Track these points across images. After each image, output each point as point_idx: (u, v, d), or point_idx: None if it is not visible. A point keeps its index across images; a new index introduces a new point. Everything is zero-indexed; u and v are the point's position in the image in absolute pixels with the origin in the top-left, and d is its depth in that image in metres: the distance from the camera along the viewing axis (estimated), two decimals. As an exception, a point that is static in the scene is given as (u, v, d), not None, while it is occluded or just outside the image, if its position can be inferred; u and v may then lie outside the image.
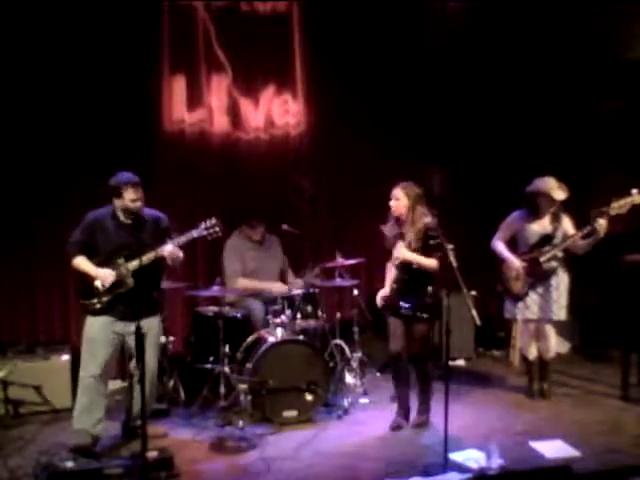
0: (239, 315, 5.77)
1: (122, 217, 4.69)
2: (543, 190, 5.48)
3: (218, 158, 6.66)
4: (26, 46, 5.89)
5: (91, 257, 4.68)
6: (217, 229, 4.77)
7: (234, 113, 6.68)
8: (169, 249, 4.62)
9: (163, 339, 5.67)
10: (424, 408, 5.11)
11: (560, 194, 5.46)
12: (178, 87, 6.50)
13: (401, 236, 4.94)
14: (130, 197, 4.61)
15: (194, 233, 4.74)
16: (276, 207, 6.50)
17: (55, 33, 5.93)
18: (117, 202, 4.67)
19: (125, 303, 4.65)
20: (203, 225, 4.76)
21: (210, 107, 6.61)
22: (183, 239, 4.70)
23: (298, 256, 6.46)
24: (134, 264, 4.60)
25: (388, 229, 5.04)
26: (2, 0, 5.75)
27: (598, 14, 6.92)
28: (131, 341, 4.63)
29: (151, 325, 4.66)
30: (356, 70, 6.88)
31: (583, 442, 4.74)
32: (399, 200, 4.92)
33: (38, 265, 6.04)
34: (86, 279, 4.66)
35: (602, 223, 5.20)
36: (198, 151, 6.59)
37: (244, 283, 5.97)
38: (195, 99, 6.56)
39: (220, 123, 6.65)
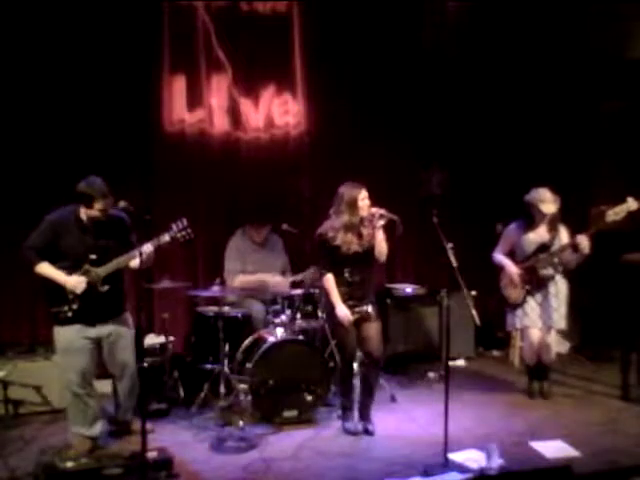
0: (239, 315, 5.77)
1: (86, 221, 4.57)
2: (533, 201, 5.51)
3: (218, 158, 6.65)
4: (26, 47, 5.89)
5: (54, 262, 4.54)
6: (188, 230, 4.70)
7: (234, 113, 6.68)
8: (150, 249, 4.55)
9: (163, 339, 5.70)
10: (368, 414, 5.08)
11: (549, 207, 5.46)
12: (178, 87, 6.50)
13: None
14: (99, 207, 4.50)
15: (166, 237, 4.66)
16: (276, 207, 6.50)
17: (55, 33, 5.93)
18: (83, 208, 4.54)
19: (95, 308, 4.57)
20: (175, 228, 4.69)
21: (210, 107, 6.61)
22: (154, 244, 4.60)
23: (298, 256, 6.45)
24: (105, 270, 4.53)
25: (336, 226, 4.87)
26: (2, 0, 5.76)
27: (600, 14, 6.92)
28: (107, 344, 4.68)
29: (124, 322, 4.72)
30: (356, 70, 6.88)
31: (583, 442, 4.75)
32: (367, 200, 4.88)
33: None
34: (54, 286, 4.52)
35: (585, 242, 5.25)
36: (198, 151, 6.59)
37: (242, 279, 5.99)
38: (195, 99, 6.55)
39: (220, 123, 6.64)
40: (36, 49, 5.91)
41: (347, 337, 4.94)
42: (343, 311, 4.84)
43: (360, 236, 4.88)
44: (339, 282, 4.89)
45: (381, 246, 4.85)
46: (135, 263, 4.53)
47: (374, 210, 4.82)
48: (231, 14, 6.57)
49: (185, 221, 4.72)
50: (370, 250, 4.88)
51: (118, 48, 6.08)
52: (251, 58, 6.63)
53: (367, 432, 5.01)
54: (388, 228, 4.83)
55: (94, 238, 4.58)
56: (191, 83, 6.52)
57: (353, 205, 4.82)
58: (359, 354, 5.11)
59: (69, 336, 4.57)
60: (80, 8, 5.94)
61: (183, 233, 4.70)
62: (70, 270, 4.54)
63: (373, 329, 4.92)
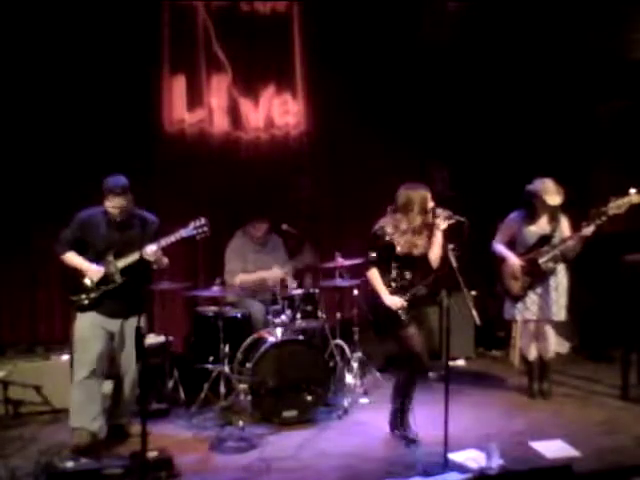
0: (239, 315, 5.78)
1: (112, 216, 4.74)
2: (538, 192, 5.48)
3: (218, 158, 6.66)
4: (26, 46, 5.89)
5: (81, 253, 4.74)
6: (205, 229, 4.81)
7: (234, 113, 6.68)
8: (153, 249, 4.65)
9: (162, 339, 5.70)
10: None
11: (554, 199, 5.43)
12: (178, 87, 6.51)
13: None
14: (109, 204, 4.67)
15: (182, 233, 4.78)
16: (276, 207, 6.51)
17: (55, 33, 5.93)
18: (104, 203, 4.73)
19: (113, 300, 4.70)
20: (192, 225, 4.80)
21: (210, 107, 6.61)
22: (172, 239, 4.74)
23: (298, 256, 6.46)
24: (123, 262, 4.68)
25: (403, 228, 4.71)
26: (2, 0, 5.76)
27: (600, 14, 6.92)
28: (117, 340, 4.76)
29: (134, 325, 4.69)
30: (356, 70, 6.88)
31: (583, 442, 4.74)
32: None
33: (38, 265, 6.04)
34: (75, 275, 4.72)
35: (588, 231, 5.27)
36: (198, 151, 6.59)
37: (243, 278, 6.00)
38: (195, 99, 6.56)
39: (220, 123, 6.64)
40: (36, 50, 5.91)
41: (419, 342, 4.74)
42: (392, 299, 4.66)
43: (423, 238, 4.74)
44: (391, 282, 4.73)
45: (439, 250, 4.69)
46: (153, 263, 4.70)
47: (439, 211, 4.69)
48: (231, 14, 6.58)
49: (203, 219, 4.81)
50: (426, 253, 4.75)
51: (118, 48, 6.08)
52: (251, 58, 6.64)
53: (412, 441, 4.79)
54: (450, 231, 4.69)
55: (119, 233, 4.74)
56: (191, 83, 6.53)
57: (424, 206, 4.70)
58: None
59: (87, 324, 4.70)
60: (80, 8, 5.94)
61: (200, 231, 4.80)
62: (93, 261, 4.71)
63: (426, 326, 4.94)
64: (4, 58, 5.85)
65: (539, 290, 5.59)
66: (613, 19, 6.94)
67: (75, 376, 4.72)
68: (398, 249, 4.70)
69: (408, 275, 4.77)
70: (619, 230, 6.17)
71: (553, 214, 5.54)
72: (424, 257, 4.77)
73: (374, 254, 4.75)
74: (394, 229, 4.72)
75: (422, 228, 4.72)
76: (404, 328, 4.72)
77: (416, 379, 4.87)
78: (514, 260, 5.59)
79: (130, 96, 6.18)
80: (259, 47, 6.63)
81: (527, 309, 5.62)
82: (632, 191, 5.19)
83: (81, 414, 4.66)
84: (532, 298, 5.60)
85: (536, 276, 5.54)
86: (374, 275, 4.75)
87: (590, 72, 7.10)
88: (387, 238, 4.71)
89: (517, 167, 6.76)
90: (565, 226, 5.54)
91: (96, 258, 4.72)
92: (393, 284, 4.75)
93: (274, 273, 6.01)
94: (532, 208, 5.56)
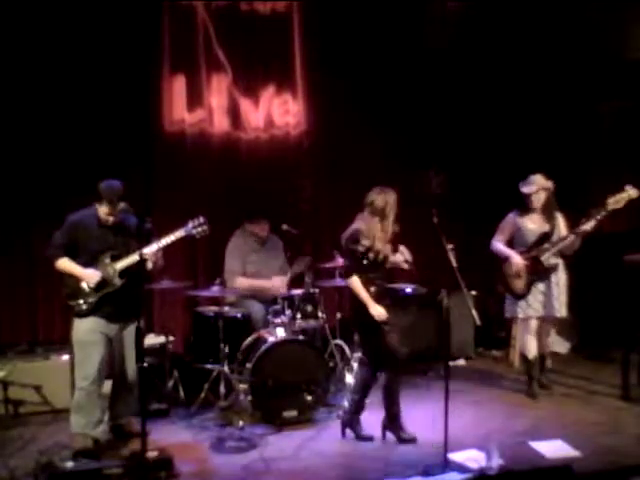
0: (239, 315, 5.77)
1: (103, 221, 4.70)
2: (520, 185, 5.61)
3: (218, 158, 6.66)
4: (25, 47, 5.89)
5: (74, 258, 4.68)
6: (205, 227, 4.80)
7: (234, 113, 6.68)
8: (153, 249, 4.63)
9: (163, 339, 5.70)
10: None
11: (529, 188, 5.56)
12: (178, 87, 6.51)
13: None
14: (104, 210, 4.65)
15: (182, 232, 4.76)
16: (276, 207, 6.50)
17: (55, 34, 5.93)
18: (98, 206, 4.70)
19: (111, 304, 4.66)
20: (191, 224, 4.79)
21: (210, 107, 6.61)
22: (171, 238, 4.71)
23: (298, 256, 6.45)
24: (121, 264, 4.63)
25: (377, 234, 4.85)
26: (2, 0, 5.76)
27: (600, 13, 6.92)
28: (116, 344, 4.73)
29: (133, 329, 4.68)
30: (356, 70, 6.88)
31: (583, 442, 4.74)
32: None
33: (38, 265, 6.02)
34: (72, 280, 4.66)
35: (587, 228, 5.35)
36: (198, 151, 6.59)
37: (242, 282, 5.98)
38: (195, 99, 6.56)
39: (220, 123, 6.64)
40: (36, 50, 5.91)
41: (398, 338, 4.80)
42: (378, 309, 4.71)
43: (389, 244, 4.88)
44: (370, 285, 4.78)
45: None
46: (150, 263, 4.66)
47: (402, 248, 4.97)
48: (231, 14, 6.58)
49: (202, 218, 4.80)
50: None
51: (118, 48, 6.08)
52: (251, 58, 6.64)
53: (412, 440, 4.86)
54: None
55: (114, 235, 4.70)
56: (191, 83, 6.53)
57: (397, 212, 4.83)
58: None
59: (85, 329, 4.65)
60: (80, 8, 5.94)
61: (199, 229, 4.78)
62: (90, 265, 4.65)
63: None
64: (5, 57, 5.84)
65: (542, 287, 5.63)
66: (613, 19, 6.94)
67: (77, 382, 4.67)
68: (378, 255, 4.76)
69: (383, 280, 4.86)
70: (620, 230, 6.18)
71: (546, 212, 5.60)
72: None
73: (353, 261, 4.79)
74: (371, 235, 4.76)
75: (393, 236, 4.84)
76: (386, 331, 4.76)
77: (399, 376, 4.88)
78: (518, 259, 5.61)
79: (130, 96, 6.17)
80: (259, 47, 6.63)
81: (529, 307, 5.65)
82: (628, 187, 5.29)
83: (83, 420, 4.63)
84: (535, 295, 5.64)
85: (540, 274, 5.58)
86: (357, 283, 4.76)
87: (590, 72, 7.10)
88: (366, 243, 4.74)
89: (517, 167, 6.75)
90: (562, 224, 5.60)
91: (90, 260, 4.65)
92: (372, 290, 4.77)
93: (275, 283, 5.99)
94: (524, 204, 5.66)
